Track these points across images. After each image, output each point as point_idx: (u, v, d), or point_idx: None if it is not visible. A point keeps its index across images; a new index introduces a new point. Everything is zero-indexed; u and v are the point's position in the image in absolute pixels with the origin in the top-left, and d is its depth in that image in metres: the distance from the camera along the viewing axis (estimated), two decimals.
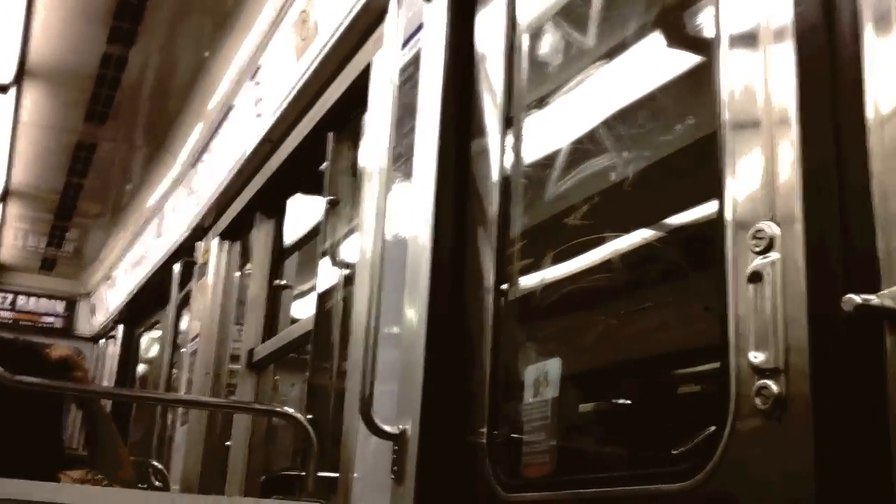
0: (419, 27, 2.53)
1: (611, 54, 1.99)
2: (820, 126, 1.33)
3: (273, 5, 3.69)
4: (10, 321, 8.74)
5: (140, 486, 4.70)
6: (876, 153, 1.23)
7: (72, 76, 4.84)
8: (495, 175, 2.18)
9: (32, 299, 8.91)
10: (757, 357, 1.33)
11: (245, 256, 4.71)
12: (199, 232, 5.15)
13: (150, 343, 7.48)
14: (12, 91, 4.88)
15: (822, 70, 1.34)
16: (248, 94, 4.09)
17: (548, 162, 2.11)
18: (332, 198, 3.42)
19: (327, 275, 3.45)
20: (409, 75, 2.55)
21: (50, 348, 2.81)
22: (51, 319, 8.97)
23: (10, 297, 8.83)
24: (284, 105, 3.63)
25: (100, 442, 2.84)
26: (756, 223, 1.38)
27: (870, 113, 1.24)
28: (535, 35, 2.26)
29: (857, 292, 1.18)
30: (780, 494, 1.28)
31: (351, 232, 3.34)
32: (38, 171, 6.16)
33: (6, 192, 6.40)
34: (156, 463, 4.67)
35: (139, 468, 5.12)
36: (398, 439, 2.22)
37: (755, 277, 1.36)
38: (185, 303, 5.50)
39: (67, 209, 6.82)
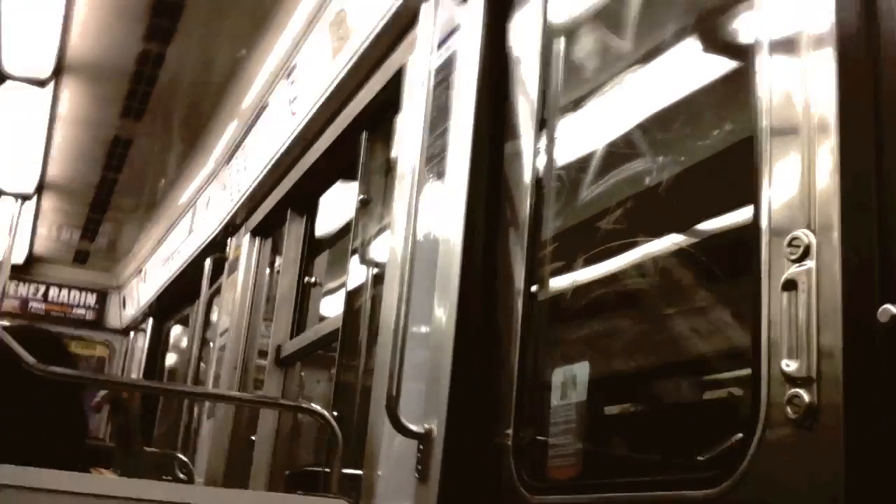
0: (453, 29, 2.54)
1: (647, 58, 1.98)
2: (860, 134, 1.31)
3: (309, 5, 3.71)
4: (43, 312, 8.85)
5: (165, 478, 4.75)
6: None
7: (109, 72, 4.89)
8: (528, 177, 2.18)
9: (64, 291, 9.00)
10: (789, 365, 1.32)
11: (276, 253, 4.73)
12: (231, 228, 5.19)
13: (179, 337, 7.54)
14: (50, 86, 4.94)
15: (862, 76, 1.32)
16: (283, 93, 4.12)
17: (581, 165, 2.10)
18: (363, 197, 3.43)
19: (357, 273, 3.46)
20: (443, 77, 2.55)
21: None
22: (82, 311, 9.06)
23: (42, 288, 8.92)
24: (319, 104, 3.65)
25: (130, 441, 2.88)
26: (792, 231, 1.37)
27: None
28: (571, 37, 2.25)
29: (894, 303, 1.17)
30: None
31: (381, 231, 3.35)
32: (73, 165, 6.23)
33: (42, 185, 6.47)
34: (181, 455, 4.70)
35: (165, 460, 5.17)
36: (424, 438, 2.23)
37: (790, 285, 1.35)
38: (214, 298, 5.54)
39: (102, 203, 6.89)
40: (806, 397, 1.29)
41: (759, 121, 1.47)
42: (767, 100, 1.47)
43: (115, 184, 6.45)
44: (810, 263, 1.33)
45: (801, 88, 1.41)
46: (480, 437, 2.12)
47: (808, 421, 1.29)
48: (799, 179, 1.38)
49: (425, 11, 2.41)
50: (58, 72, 4.82)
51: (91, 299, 9.07)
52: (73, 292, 9.01)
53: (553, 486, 1.92)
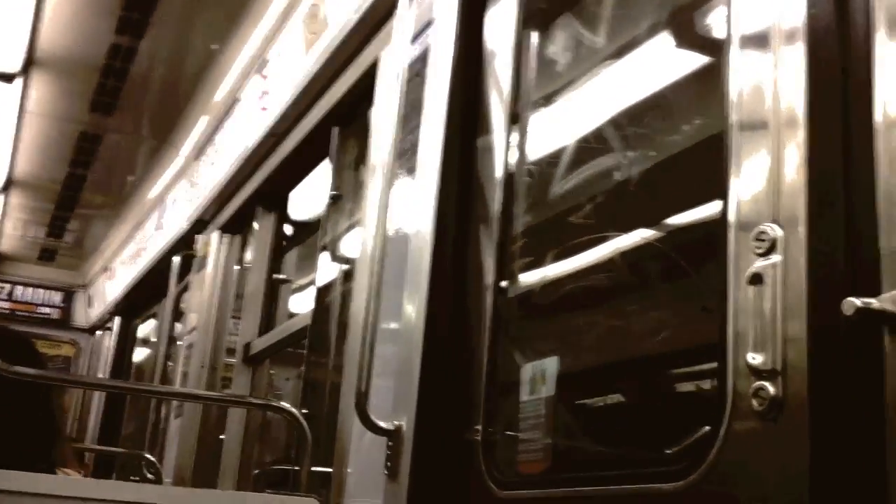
0: (428, 23, 2.54)
1: (619, 53, 1.99)
2: (828, 129, 1.32)
3: None
4: (7, 311, 8.73)
5: (132, 478, 4.70)
6: (883, 157, 1.23)
7: (79, 66, 4.84)
8: (499, 172, 2.18)
9: (30, 290, 8.89)
10: (755, 358, 1.33)
11: (245, 250, 4.70)
12: (200, 225, 5.15)
13: (146, 335, 7.47)
14: (19, 80, 4.88)
15: (832, 72, 1.33)
16: (255, 88, 4.09)
17: (552, 160, 2.10)
18: (334, 192, 3.41)
19: (327, 269, 3.44)
20: (417, 71, 2.55)
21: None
22: (48, 310, 8.95)
23: (7, 287, 8.81)
24: (290, 99, 3.63)
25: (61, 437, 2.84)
26: (759, 224, 1.37)
27: (878, 116, 1.24)
28: (545, 32, 2.26)
29: (858, 296, 1.18)
30: (775, 495, 1.28)
31: (352, 227, 3.34)
32: (41, 160, 6.16)
33: (9, 181, 6.39)
34: (149, 455, 4.66)
35: (132, 460, 5.12)
36: (393, 435, 2.22)
37: (756, 279, 1.35)
38: (182, 296, 5.49)
39: (69, 200, 6.82)
40: (771, 389, 1.30)
41: (729, 115, 1.48)
42: (737, 94, 1.48)
43: (83, 180, 6.38)
44: (776, 257, 1.34)
45: (772, 83, 1.42)
46: (450, 433, 2.11)
47: (773, 413, 1.29)
48: (767, 173, 1.39)
49: (401, 4, 2.40)
50: (27, 66, 4.76)
51: (57, 298, 8.97)
52: (38, 291, 8.91)
53: (522, 481, 1.92)
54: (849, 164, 1.29)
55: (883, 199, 1.22)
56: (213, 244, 4.86)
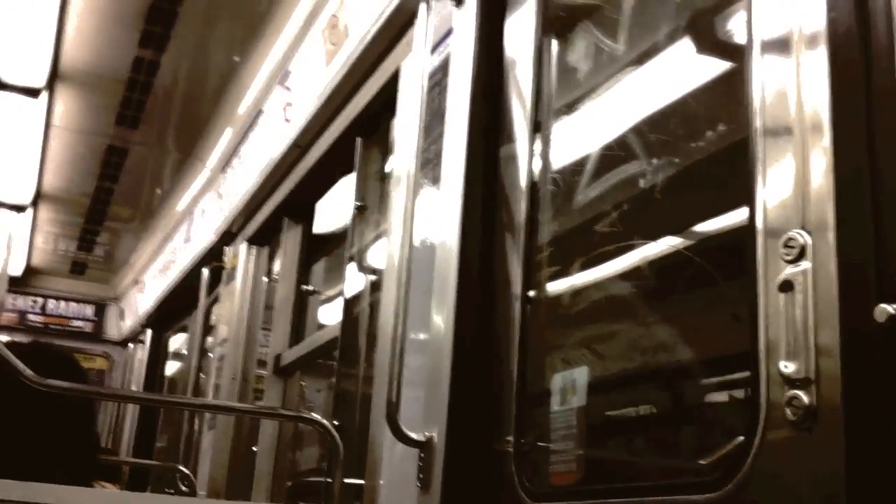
0: (448, 32, 2.53)
1: (641, 60, 1.98)
2: (853, 133, 1.31)
3: (304, 10, 3.71)
4: (41, 325, 8.82)
5: (167, 491, 4.73)
6: None
7: (104, 80, 4.88)
8: (523, 180, 2.18)
9: (62, 303, 8.98)
10: (788, 367, 1.32)
11: (273, 261, 4.72)
12: (228, 237, 5.17)
13: (179, 348, 7.53)
14: (44, 95, 4.93)
15: (855, 76, 1.32)
16: (278, 99, 4.11)
17: (577, 168, 2.09)
18: (359, 203, 3.42)
19: (354, 280, 3.45)
20: (438, 80, 2.55)
21: None
22: (80, 323, 9.03)
23: (40, 300, 8.90)
24: (313, 110, 3.64)
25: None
26: (787, 231, 1.36)
27: None
28: (566, 40, 2.25)
29: (889, 301, 1.17)
30: None
31: (378, 238, 3.34)
32: (69, 175, 6.22)
33: (38, 195, 6.46)
34: (182, 468, 4.68)
35: (166, 473, 5.16)
36: (425, 446, 2.21)
37: (786, 286, 1.34)
38: (213, 307, 5.52)
39: (98, 213, 6.88)
40: (805, 398, 1.28)
41: (753, 121, 1.47)
42: (760, 100, 1.46)
43: (111, 193, 6.44)
44: (806, 264, 1.32)
45: (795, 88, 1.41)
46: (481, 443, 2.11)
47: (807, 422, 1.28)
48: (793, 179, 1.38)
49: (420, 14, 2.40)
50: (52, 81, 4.81)
51: (89, 311, 9.05)
52: (70, 304, 8.99)
53: (555, 493, 1.91)
54: (875, 167, 1.28)
55: None
56: (241, 256, 4.89)
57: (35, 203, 6.61)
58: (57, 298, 8.92)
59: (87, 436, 2.89)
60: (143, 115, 5.18)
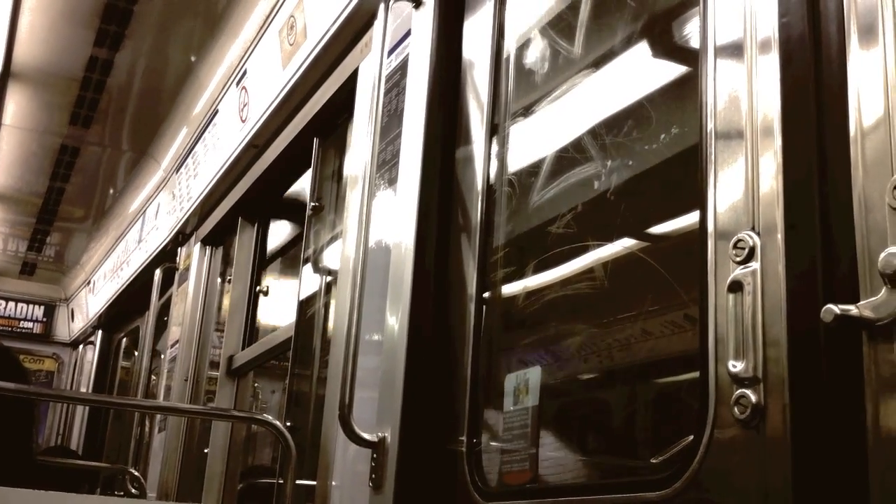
0: (407, 34, 2.54)
1: (596, 64, 1.99)
2: (803, 136, 1.33)
3: (262, 10, 3.69)
4: None
5: (117, 493, 4.67)
6: (858, 164, 1.23)
7: (57, 79, 4.81)
8: (479, 182, 2.18)
9: (11, 304, 8.83)
10: (736, 366, 1.33)
11: (227, 262, 4.69)
12: (181, 237, 5.13)
13: (129, 349, 7.44)
14: None
15: (806, 81, 1.34)
16: (234, 99, 4.08)
17: (532, 170, 2.11)
18: (315, 204, 3.41)
19: (309, 281, 3.43)
20: (396, 81, 2.55)
21: None
22: (29, 325, 8.89)
23: None
24: (270, 110, 3.63)
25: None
26: (737, 233, 1.38)
27: (853, 124, 1.25)
28: (522, 43, 2.26)
29: (837, 302, 1.19)
30: (757, 502, 1.28)
31: (334, 239, 3.33)
32: (20, 174, 6.12)
33: None
34: (132, 470, 4.63)
35: (116, 475, 5.09)
36: (377, 447, 2.21)
37: (735, 287, 1.36)
38: (165, 309, 5.47)
39: (49, 213, 6.78)
40: (753, 397, 1.30)
41: (705, 124, 1.49)
42: (713, 104, 1.48)
43: (62, 193, 6.35)
44: (755, 265, 1.34)
45: (747, 93, 1.43)
46: (434, 443, 2.11)
47: (755, 421, 1.30)
48: (744, 182, 1.40)
49: (379, 15, 2.40)
50: (4, 79, 4.73)
51: (39, 312, 8.91)
52: (20, 305, 8.85)
53: (507, 492, 1.92)
54: (825, 171, 1.30)
55: (858, 206, 1.22)
56: (194, 256, 4.84)
57: None
58: (6, 299, 8.77)
59: (26, 436, 2.85)
60: (96, 114, 5.11)
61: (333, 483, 2.50)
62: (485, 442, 2.01)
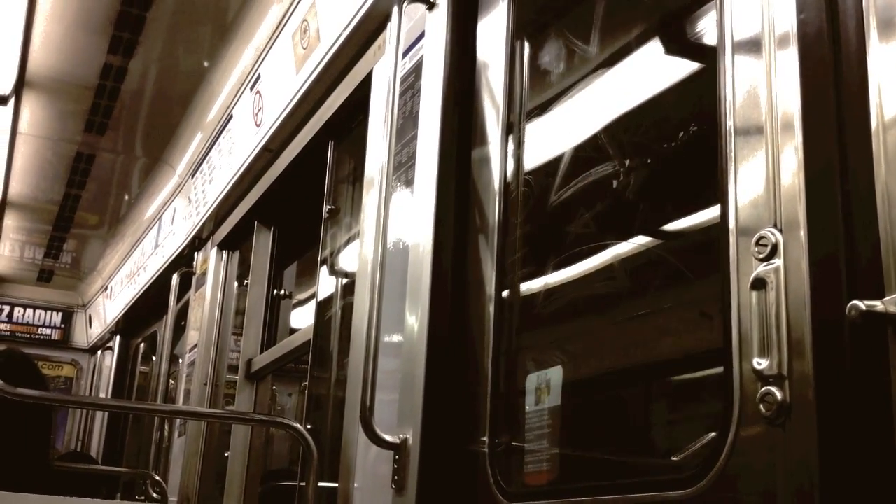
0: (421, 35, 2.54)
1: (611, 61, 1.99)
2: (823, 132, 1.33)
3: (274, 14, 3.69)
4: (7, 333, 8.72)
5: (138, 498, 4.69)
6: (880, 158, 1.23)
7: (71, 87, 4.84)
8: (496, 182, 2.18)
9: (29, 311, 8.88)
10: (761, 363, 1.33)
11: (244, 266, 4.70)
12: (198, 242, 5.15)
13: (148, 354, 7.47)
14: (11, 102, 4.87)
15: (825, 76, 1.34)
16: (248, 104, 4.09)
17: (549, 169, 2.11)
18: (331, 207, 3.41)
19: (327, 284, 3.44)
20: (411, 83, 2.55)
21: None
22: (48, 331, 8.94)
23: (6, 308, 8.80)
24: (284, 114, 3.63)
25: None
26: (759, 230, 1.38)
27: (874, 118, 1.24)
28: (537, 42, 2.26)
29: (862, 298, 1.18)
30: (783, 501, 1.28)
31: (351, 241, 3.33)
32: (36, 181, 6.15)
33: (4, 203, 6.38)
34: (154, 474, 4.65)
35: (136, 480, 5.11)
36: (399, 449, 2.21)
37: (758, 284, 1.36)
38: (182, 313, 5.49)
39: (65, 220, 6.81)
40: (778, 395, 1.30)
41: (725, 121, 1.48)
42: (732, 100, 1.48)
43: (78, 200, 6.38)
44: (778, 262, 1.34)
45: (766, 88, 1.42)
46: (456, 444, 2.11)
47: (780, 418, 1.29)
48: (765, 178, 1.39)
49: (392, 17, 2.40)
50: (19, 88, 4.76)
51: (56, 318, 8.96)
52: (38, 312, 8.90)
53: (530, 492, 1.92)
54: (846, 166, 1.30)
55: (881, 201, 1.22)
56: (211, 261, 4.86)
57: (1, 211, 6.52)
58: (24, 306, 8.82)
59: (44, 443, 2.87)
60: (111, 121, 5.13)
61: (355, 485, 2.50)
62: (507, 442, 2.01)
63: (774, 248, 1.35)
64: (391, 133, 2.33)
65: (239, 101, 4.25)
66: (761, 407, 1.32)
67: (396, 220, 2.45)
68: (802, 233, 1.32)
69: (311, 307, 3.55)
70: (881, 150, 1.23)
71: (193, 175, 5.12)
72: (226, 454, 4.23)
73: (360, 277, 2.77)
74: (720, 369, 1.42)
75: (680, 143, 1.75)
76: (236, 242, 4.75)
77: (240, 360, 4.33)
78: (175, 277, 5.41)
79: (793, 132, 1.37)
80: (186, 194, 5.32)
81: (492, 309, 2.10)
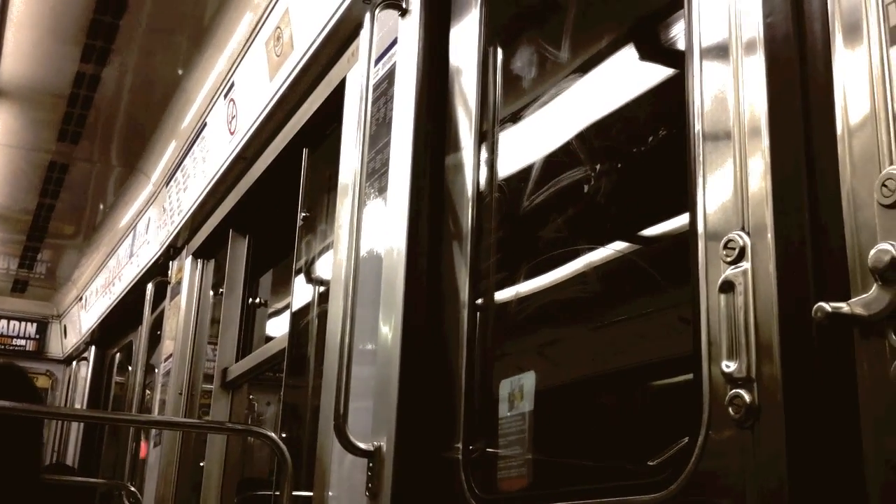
0: (394, 42, 2.54)
1: (584, 67, 2.00)
2: (790, 135, 1.34)
3: (248, 22, 3.69)
4: None
5: None
6: (845, 161, 1.24)
7: (44, 96, 4.81)
8: (470, 188, 2.19)
9: (3, 322, 8.80)
10: (729, 366, 1.33)
11: (219, 275, 4.68)
12: (173, 251, 5.12)
13: (123, 364, 7.41)
14: None
15: (792, 80, 1.35)
16: (222, 112, 4.08)
17: (522, 175, 2.11)
18: (306, 214, 3.40)
19: (301, 292, 3.43)
20: (384, 90, 2.55)
21: None
22: (22, 342, 8.87)
23: None
24: (258, 122, 3.62)
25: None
26: (728, 233, 1.38)
27: (839, 121, 1.25)
28: (510, 48, 2.27)
29: (828, 300, 1.19)
30: (753, 503, 1.28)
31: (326, 249, 3.33)
32: (9, 191, 6.10)
33: None
34: (129, 486, 4.61)
35: (113, 491, 5.06)
36: (373, 456, 2.21)
37: (727, 287, 1.36)
38: (158, 323, 5.45)
39: (40, 230, 6.76)
40: (747, 397, 1.30)
41: (693, 125, 1.49)
42: (700, 104, 1.49)
43: (52, 209, 6.33)
44: (746, 265, 1.34)
45: (733, 93, 1.43)
46: (430, 451, 2.10)
47: (749, 421, 1.30)
48: (732, 182, 1.40)
49: (365, 24, 2.40)
50: None
51: (31, 329, 8.88)
52: (12, 323, 8.83)
53: (504, 498, 1.92)
54: (813, 170, 1.30)
55: (847, 203, 1.22)
56: (186, 270, 4.83)
57: None
58: None
59: (36, 457, 2.84)
60: (84, 130, 5.10)
61: (330, 493, 2.49)
62: (481, 448, 2.00)
63: (742, 251, 1.35)
64: (364, 140, 2.33)
65: (213, 109, 4.23)
66: (730, 410, 1.32)
67: (370, 227, 2.45)
68: (770, 236, 1.33)
69: (286, 316, 3.53)
70: (847, 153, 1.24)
71: (168, 184, 5.09)
72: (201, 464, 4.20)
73: (334, 284, 2.76)
74: (690, 374, 1.42)
75: (649, 147, 1.76)
76: (211, 251, 4.73)
77: (215, 369, 4.31)
78: (150, 287, 5.38)
79: (760, 136, 1.37)
80: (161, 203, 5.29)
81: (466, 315, 2.10)
